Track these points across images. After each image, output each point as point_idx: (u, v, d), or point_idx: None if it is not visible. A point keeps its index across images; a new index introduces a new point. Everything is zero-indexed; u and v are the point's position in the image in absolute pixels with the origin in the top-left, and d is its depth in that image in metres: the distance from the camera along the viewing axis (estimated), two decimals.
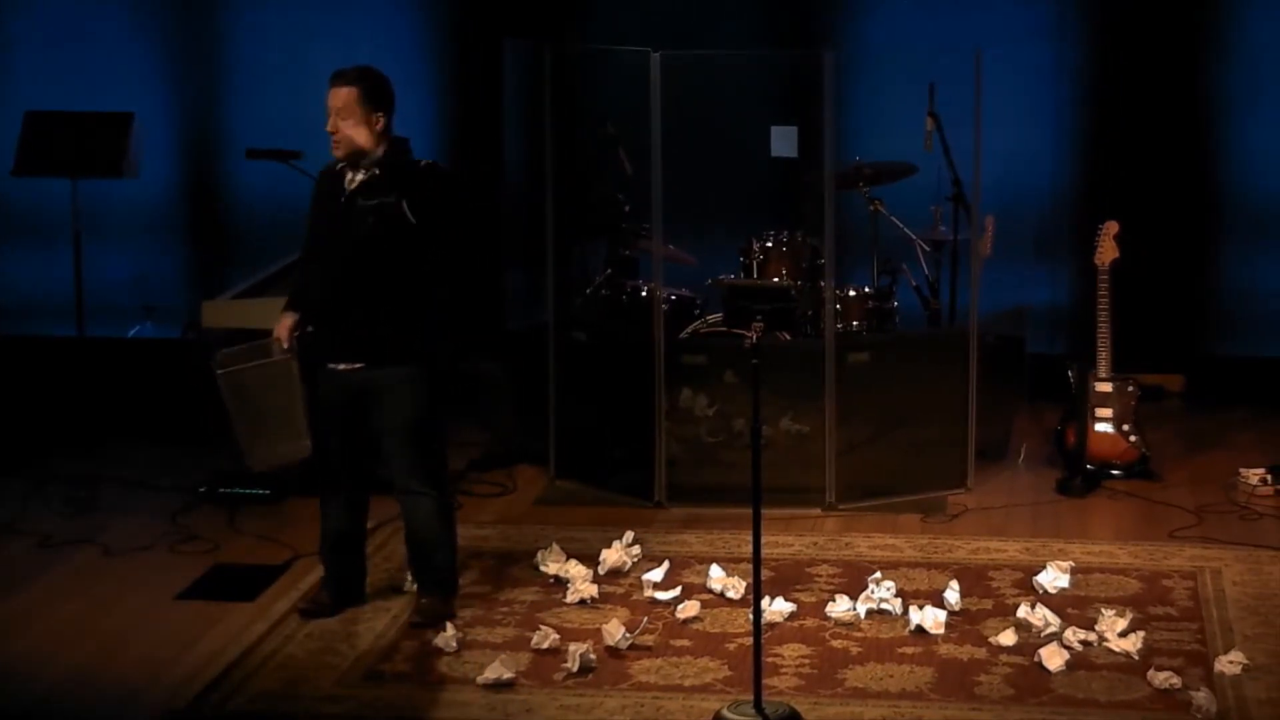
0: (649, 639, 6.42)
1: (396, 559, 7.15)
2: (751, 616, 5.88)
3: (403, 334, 6.46)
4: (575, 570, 7.00)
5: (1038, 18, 9.41)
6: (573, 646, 6.22)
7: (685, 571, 7.09)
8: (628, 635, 6.36)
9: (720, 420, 8.09)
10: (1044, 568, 6.94)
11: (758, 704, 5.72)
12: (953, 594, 6.70)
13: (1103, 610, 6.49)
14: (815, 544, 7.45)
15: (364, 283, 6.43)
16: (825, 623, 6.58)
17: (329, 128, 6.43)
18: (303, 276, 6.72)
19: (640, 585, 6.91)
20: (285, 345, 6.53)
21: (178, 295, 9.97)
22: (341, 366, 6.49)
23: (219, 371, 6.57)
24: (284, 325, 6.57)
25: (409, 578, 6.87)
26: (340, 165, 6.50)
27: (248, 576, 7.13)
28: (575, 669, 6.15)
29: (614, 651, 6.31)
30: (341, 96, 6.41)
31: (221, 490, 8.01)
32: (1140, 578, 7.01)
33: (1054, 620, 6.46)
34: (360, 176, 6.46)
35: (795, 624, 6.58)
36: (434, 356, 6.54)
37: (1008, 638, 6.36)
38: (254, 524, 7.75)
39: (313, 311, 6.57)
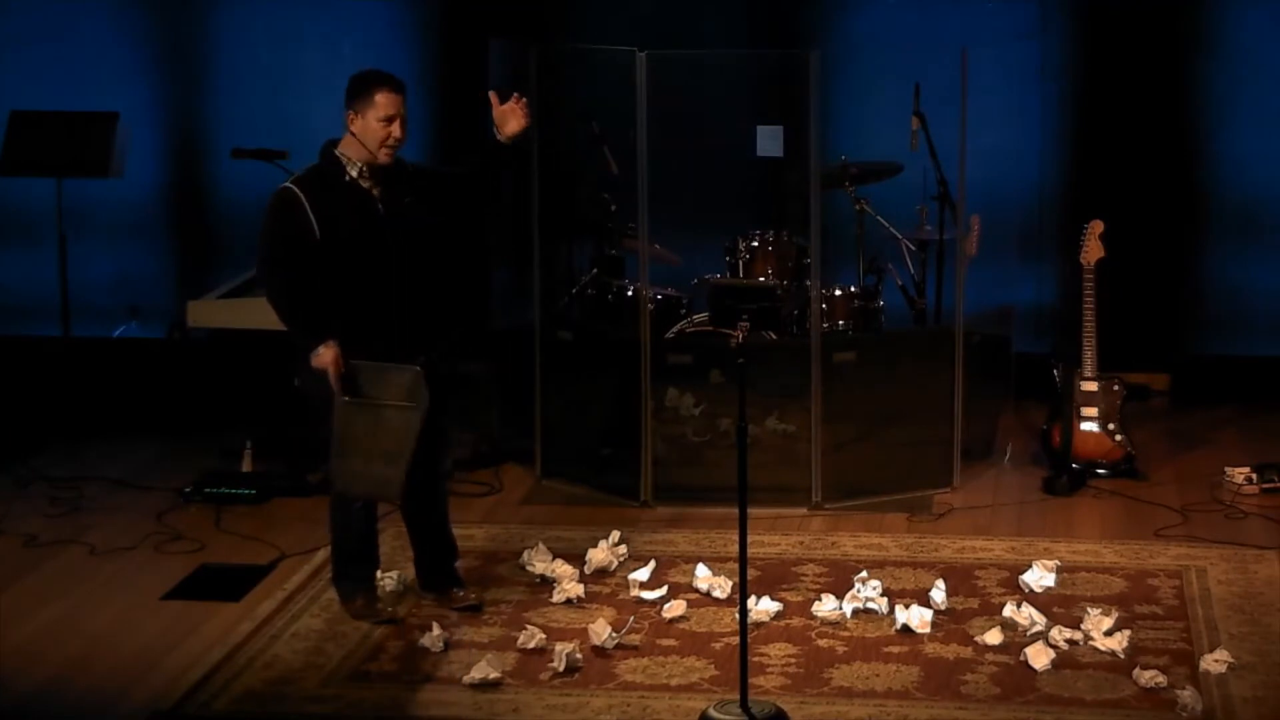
0: (635, 638, 6.42)
1: (387, 560, 7.12)
2: (737, 616, 5.89)
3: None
4: (561, 570, 7.00)
5: (1023, 17, 9.40)
6: (559, 646, 6.22)
7: (671, 571, 7.09)
8: (614, 635, 6.35)
9: (706, 420, 8.09)
10: (1030, 567, 6.94)
11: (744, 703, 5.72)
12: (939, 593, 6.70)
13: (1088, 609, 6.49)
14: (801, 543, 7.45)
15: (431, 280, 6.51)
16: (811, 622, 6.58)
17: (400, 134, 6.37)
18: (312, 301, 6.33)
19: (626, 585, 6.90)
20: (340, 375, 6.26)
21: (163, 295, 9.95)
22: None
23: (345, 400, 6.27)
24: (332, 356, 6.27)
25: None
26: (348, 179, 6.37)
27: (234, 577, 7.12)
28: (561, 668, 6.15)
29: (600, 651, 6.31)
30: (403, 103, 6.39)
31: (207, 490, 8.00)
32: (1126, 576, 7.01)
33: (1040, 619, 6.46)
34: (379, 181, 6.42)
35: (781, 623, 6.58)
36: None
37: (993, 637, 6.36)
38: (240, 524, 7.73)
39: (372, 330, 6.37)
